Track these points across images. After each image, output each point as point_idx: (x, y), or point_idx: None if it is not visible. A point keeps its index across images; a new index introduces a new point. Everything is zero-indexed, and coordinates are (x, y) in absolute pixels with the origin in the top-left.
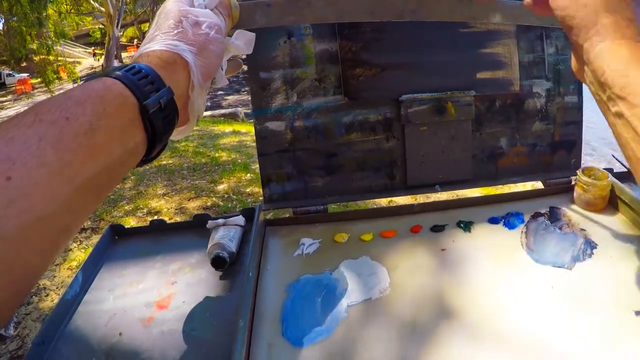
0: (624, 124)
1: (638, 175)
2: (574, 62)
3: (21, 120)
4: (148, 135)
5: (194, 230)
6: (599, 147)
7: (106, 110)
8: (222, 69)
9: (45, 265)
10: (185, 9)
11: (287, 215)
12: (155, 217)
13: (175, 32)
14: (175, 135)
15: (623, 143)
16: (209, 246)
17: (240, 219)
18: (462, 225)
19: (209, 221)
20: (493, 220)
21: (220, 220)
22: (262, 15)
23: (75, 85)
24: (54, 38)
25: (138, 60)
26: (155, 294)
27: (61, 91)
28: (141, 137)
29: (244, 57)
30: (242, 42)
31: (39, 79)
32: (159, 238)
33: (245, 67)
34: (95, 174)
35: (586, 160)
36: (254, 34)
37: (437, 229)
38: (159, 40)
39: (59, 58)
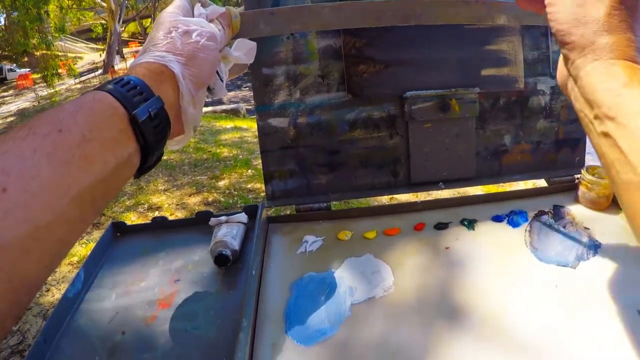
0: (610, 144)
1: (622, 199)
2: (560, 74)
3: (15, 134)
4: (140, 145)
5: (196, 227)
6: None
7: (97, 121)
8: (221, 80)
9: (44, 275)
10: (176, 19)
11: (289, 213)
12: (157, 213)
13: (164, 43)
14: (173, 145)
15: (607, 163)
16: (211, 244)
17: (243, 217)
18: (465, 223)
19: (212, 218)
20: (497, 219)
21: (223, 218)
22: (267, 24)
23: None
24: (54, 33)
25: (129, 73)
26: (158, 292)
27: (63, 86)
28: (134, 147)
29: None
30: (242, 52)
31: (41, 74)
32: (161, 235)
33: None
34: (90, 184)
35: (585, 159)
36: (255, 43)
37: (441, 226)
38: (148, 53)
39: (60, 53)
